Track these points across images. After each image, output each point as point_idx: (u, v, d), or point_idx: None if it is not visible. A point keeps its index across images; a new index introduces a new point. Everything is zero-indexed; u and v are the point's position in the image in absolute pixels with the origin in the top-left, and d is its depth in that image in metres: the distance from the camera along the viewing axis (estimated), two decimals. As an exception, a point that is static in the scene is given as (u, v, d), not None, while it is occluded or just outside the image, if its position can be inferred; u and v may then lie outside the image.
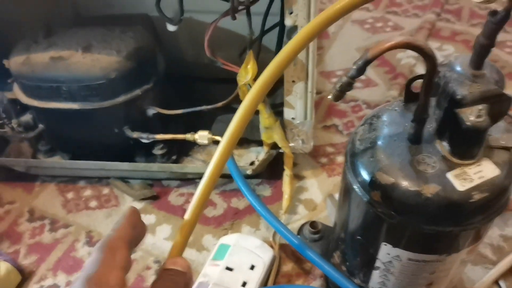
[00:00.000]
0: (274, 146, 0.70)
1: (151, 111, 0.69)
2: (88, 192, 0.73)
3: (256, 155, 0.74)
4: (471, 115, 0.36)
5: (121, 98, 0.65)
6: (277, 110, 0.68)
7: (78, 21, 0.77)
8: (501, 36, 0.99)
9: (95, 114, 0.66)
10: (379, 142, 0.41)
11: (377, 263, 0.45)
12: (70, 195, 0.73)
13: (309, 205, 0.69)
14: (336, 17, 0.38)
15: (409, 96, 0.43)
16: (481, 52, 0.39)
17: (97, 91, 0.64)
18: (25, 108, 0.70)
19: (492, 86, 0.38)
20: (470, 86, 0.37)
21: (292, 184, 0.68)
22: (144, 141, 0.69)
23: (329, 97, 0.37)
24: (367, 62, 0.35)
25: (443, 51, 0.95)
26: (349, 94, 0.90)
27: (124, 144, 0.70)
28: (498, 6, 0.39)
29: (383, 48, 0.34)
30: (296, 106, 0.66)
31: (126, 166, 0.70)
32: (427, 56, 0.35)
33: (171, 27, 0.60)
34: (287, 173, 0.68)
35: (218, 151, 0.36)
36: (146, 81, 0.68)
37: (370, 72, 0.92)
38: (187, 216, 0.34)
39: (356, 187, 0.42)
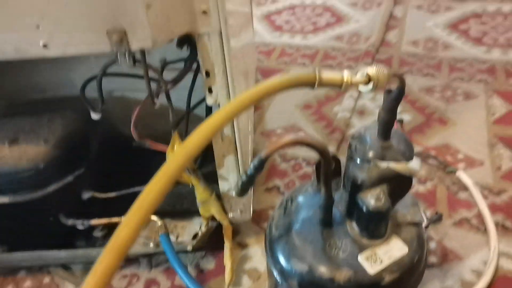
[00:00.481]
0: (214, 218, 0.70)
1: (86, 195, 0.69)
2: (28, 283, 0.71)
3: (199, 226, 0.74)
4: (372, 199, 0.38)
5: (52, 187, 0.64)
6: (213, 179, 0.69)
7: (10, 110, 0.76)
8: (429, 82, 1.04)
9: (27, 205, 0.64)
10: (294, 228, 0.42)
11: None
12: (8, 289, 0.70)
13: (253, 275, 0.69)
14: (230, 118, 0.38)
15: (319, 178, 0.44)
16: (385, 126, 0.41)
17: (26, 183, 0.63)
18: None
19: (392, 165, 0.40)
20: (368, 170, 0.39)
21: (233, 256, 0.68)
22: (79, 227, 0.67)
23: (233, 194, 0.37)
24: (263, 161, 0.36)
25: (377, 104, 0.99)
26: (289, 152, 0.92)
27: (61, 231, 0.69)
28: (393, 85, 0.42)
29: (276, 147, 0.35)
30: (230, 178, 0.66)
31: (65, 254, 0.69)
32: (320, 152, 0.36)
33: (95, 115, 0.60)
34: (227, 246, 0.68)
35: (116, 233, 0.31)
36: (78, 166, 0.67)
37: (309, 128, 0.94)
38: None
39: (275, 273, 0.42)
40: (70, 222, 0.67)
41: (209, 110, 0.68)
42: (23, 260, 0.70)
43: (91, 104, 0.61)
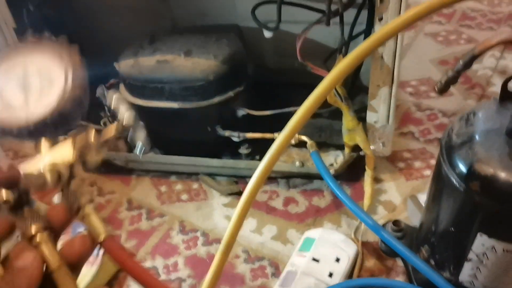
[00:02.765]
0: (354, 149, 0.73)
1: (241, 112, 0.75)
2: (179, 186, 0.79)
3: (334, 158, 0.78)
4: None
5: (216, 99, 0.71)
6: (357, 115, 0.72)
7: (175, 31, 0.84)
8: None
9: (192, 113, 0.72)
10: (477, 136, 0.44)
11: (470, 255, 0.47)
12: (163, 188, 0.79)
13: (388, 206, 0.72)
14: (424, 14, 0.40)
15: (505, 95, 0.45)
16: None
17: (196, 92, 0.70)
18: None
19: None
20: None
21: (373, 184, 0.71)
22: (234, 139, 0.74)
23: (435, 89, 0.40)
24: (474, 57, 0.38)
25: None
26: (425, 102, 0.92)
27: (214, 142, 0.76)
28: None
29: (490, 44, 0.37)
30: (379, 110, 0.69)
31: (216, 162, 0.76)
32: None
33: (267, 33, 0.65)
34: (368, 173, 0.71)
35: (283, 133, 0.35)
36: (238, 84, 0.73)
37: (445, 82, 0.94)
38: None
39: (452, 178, 0.44)
40: (227, 133, 0.74)
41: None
42: (178, 163, 0.78)
43: (264, 24, 0.66)
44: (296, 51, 0.66)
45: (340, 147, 0.76)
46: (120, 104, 0.32)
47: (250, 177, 0.32)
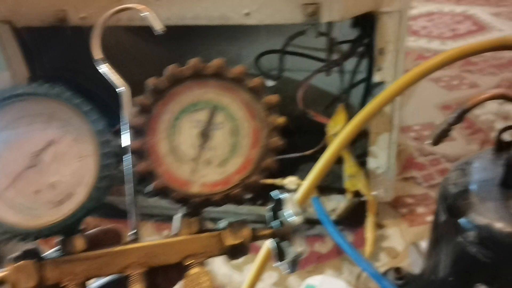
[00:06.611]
0: (356, 194, 0.74)
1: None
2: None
3: (337, 203, 0.78)
4: None
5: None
6: (358, 160, 0.73)
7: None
8: None
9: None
10: (472, 187, 0.44)
11: (470, 305, 0.47)
12: (166, 232, 0.79)
13: (391, 253, 0.71)
14: (423, 76, 0.43)
15: (500, 145, 0.46)
16: None
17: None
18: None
19: None
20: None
21: (375, 230, 0.71)
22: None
23: (428, 141, 0.41)
24: (465, 111, 0.39)
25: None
26: (428, 148, 0.93)
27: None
28: None
29: (481, 99, 0.38)
30: (380, 156, 0.70)
31: (217, 208, 0.76)
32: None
33: (270, 83, 0.67)
34: (370, 219, 0.71)
35: (304, 185, 0.39)
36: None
37: (447, 127, 0.95)
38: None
39: (449, 228, 0.45)
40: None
41: (366, 89, 0.72)
42: (182, 208, 0.78)
43: (265, 73, 0.68)
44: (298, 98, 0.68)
45: (343, 191, 0.76)
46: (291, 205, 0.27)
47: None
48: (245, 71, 0.26)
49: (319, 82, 0.82)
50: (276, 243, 0.28)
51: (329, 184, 0.79)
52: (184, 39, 0.85)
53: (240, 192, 0.27)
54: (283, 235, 0.27)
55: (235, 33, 0.81)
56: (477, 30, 1.30)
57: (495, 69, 1.12)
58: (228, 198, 0.27)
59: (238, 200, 0.27)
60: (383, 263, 0.70)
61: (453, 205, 0.45)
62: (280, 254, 0.28)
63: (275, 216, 0.28)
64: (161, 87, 0.26)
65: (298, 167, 0.80)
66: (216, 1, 0.58)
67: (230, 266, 0.72)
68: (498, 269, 0.43)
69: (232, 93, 0.26)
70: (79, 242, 0.25)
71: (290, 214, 0.26)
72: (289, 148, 0.78)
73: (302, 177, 0.74)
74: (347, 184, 0.72)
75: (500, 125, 0.94)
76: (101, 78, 0.31)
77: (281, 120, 0.26)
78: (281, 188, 0.74)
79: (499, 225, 0.41)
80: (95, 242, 0.26)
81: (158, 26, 0.28)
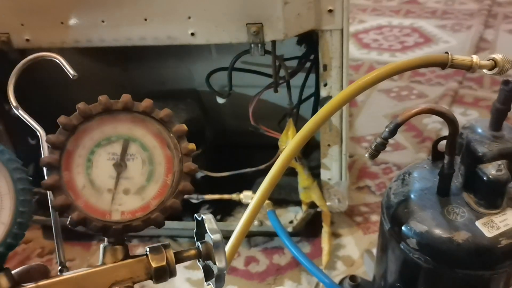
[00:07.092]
0: (312, 205, 0.76)
1: (200, 174, 0.77)
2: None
3: (294, 215, 0.80)
4: (492, 169, 0.42)
5: (174, 163, 0.73)
6: (312, 172, 0.75)
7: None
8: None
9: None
10: (412, 196, 0.47)
11: (417, 310, 0.49)
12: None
13: (347, 261, 0.73)
14: (364, 88, 0.45)
15: (436, 155, 0.49)
16: (498, 116, 0.46)
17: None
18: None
19: (510, 144, 0.44)
20: (489, 145, 0.43)
21: (331, 240, 0.73)
22: (193, 201, 0.75)
23: (366, 155, 0.43)
24: (397, 125, 0.41)
25: (468, 116, 1.01)
26: (380, 157, 0.96)
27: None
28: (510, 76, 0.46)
29: (411, 114, 0.41)
30: (332, 168, 0.72)
31: (177, 225, 0.77)
32: (449, 120, 0.41)
33: (220, 100, 0.68)
34: (325, 230, 0.73)
35: (255, 198, 0.41)
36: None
37: (398, 136, 0.98)
38: None
39: (393, 236, 0.47)
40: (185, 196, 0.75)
41: (315, 104, 0.74)
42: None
43: (216, 91, 0.69)
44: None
45: (300, 203, 0.78)
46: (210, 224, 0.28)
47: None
48: (151, 105, 0.29)
49: (273, 97, 0.84)
50: (203, 263, 0.30)
51: (287, 197, 0.81)
52: (136, 58, 0.86)
53: (159, 216, 0.28)
54: (206, 254, 0.29)
55: (187, 51, 0.82)
56: (424, 42, 1.36)
57: (441, 79, 1.18)
58: (148, 222, 0.28)
59: (158, 223, 0.28)
60: (340, 272, 0.72)
61: (395, 214, 0.47)
62: (206, 274, 0.30)
63: (200, 237, 0.30)
64: (72, 124, 0.27)
65: (253, 182, 0.82)
66: (162, 22, 0.59)
67: (190, 284, 0.72)
68: (439, 275, 0.45)
69: (142, 125, 0.29)
70: (3, 281, 0.26)
71: (210, 232, 0.28)
72: (244, 163, 0.79)
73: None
74: (302, 196, 0.74)
75: (446, 132, 0.98)
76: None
77: (191, 146, 0.29)
78: (235, 203, 0.75)
79: (437, 232, 0.43)
80: (24, 279, 0.26)
81: (71, 71, 0.31)
